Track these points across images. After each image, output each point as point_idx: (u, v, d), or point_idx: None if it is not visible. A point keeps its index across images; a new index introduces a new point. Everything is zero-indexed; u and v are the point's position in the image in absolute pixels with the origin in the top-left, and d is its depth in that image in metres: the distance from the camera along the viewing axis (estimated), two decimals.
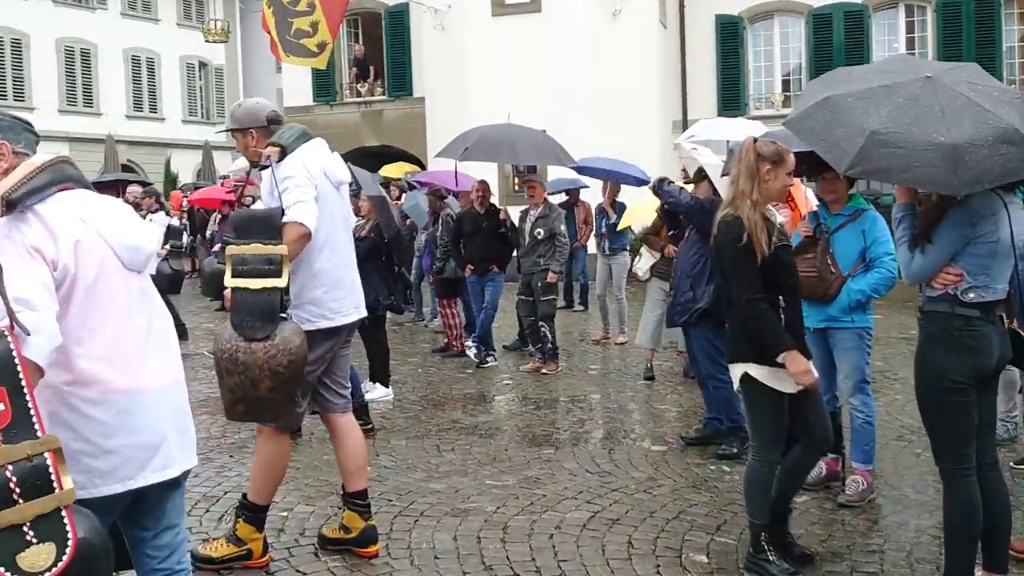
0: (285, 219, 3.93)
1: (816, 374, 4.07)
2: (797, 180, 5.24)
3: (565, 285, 14.46)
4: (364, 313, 4.46)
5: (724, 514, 4.94)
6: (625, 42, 18.83)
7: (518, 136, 9.39)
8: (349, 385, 4.55)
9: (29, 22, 30.65)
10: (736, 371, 4.12)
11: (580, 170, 11.58)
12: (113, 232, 2.60)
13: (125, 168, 29.50)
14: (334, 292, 4.23)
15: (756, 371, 4.01)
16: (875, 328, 5.41)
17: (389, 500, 5.25)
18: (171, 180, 31.65)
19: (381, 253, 7.68)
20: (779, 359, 3.93)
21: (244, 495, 4.34)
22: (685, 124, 19.83)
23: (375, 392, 8.07)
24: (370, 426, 6.79)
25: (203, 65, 36.45)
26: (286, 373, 3.84)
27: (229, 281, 3.87)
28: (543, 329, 9.35)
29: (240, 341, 3.81)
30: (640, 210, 9.80)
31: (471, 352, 9.75)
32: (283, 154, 4.08)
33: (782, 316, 4.01)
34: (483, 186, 9.85)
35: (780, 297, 4.03)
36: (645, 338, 8.94)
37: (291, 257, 3.92)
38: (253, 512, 4.25)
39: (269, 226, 3.90)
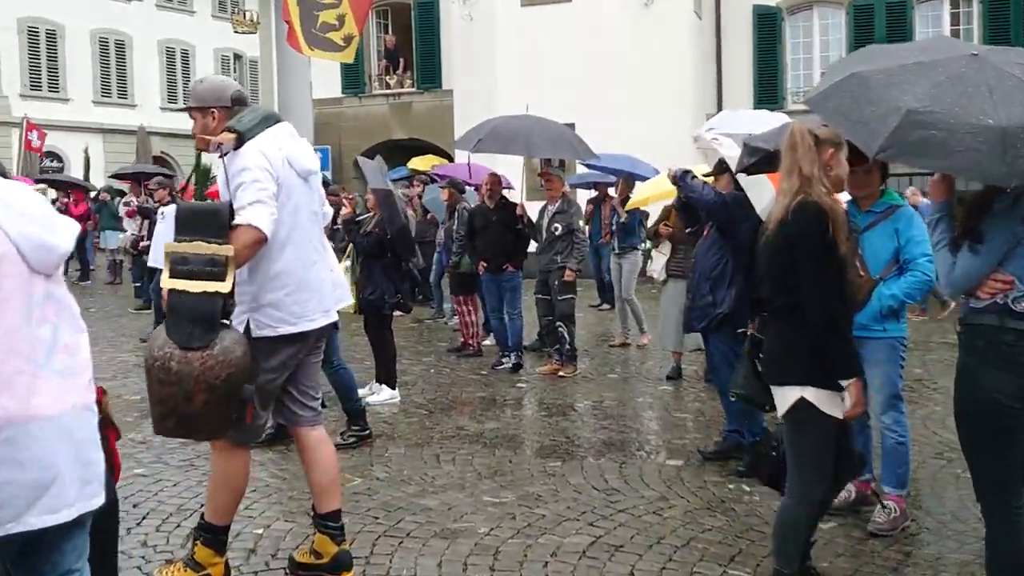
0: (237, 220, 3.53)
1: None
2: None
3: (597, 283, 14.05)
4: (334, 318, 4.03)
5: (740, 542, 4.47)
6: (658, 33, 18.31)
7: (533, 128, 8.94)
8: (319, 395, 4.15)
9: (64, 13, 30.74)
10: (788, 395, 3.46)
11: (593, 168, 11.16)
12: (19, 227, 2.21)
13: (158, 160, 29.47)
14: (298, 294, 3.81)
15: (815, 395, 3.39)
16: (914, 332, 4.92)
17: (375, 517, 4.84)
18: (203, 172, 31.63)
19: (386, 249, 7.28)
20: (845, 383, 3.37)
21: (202, 515, 3.95)
22: None
23: (381, 394, 7.69)
24: (367, 432, 6.39)
25: (238, 57, 36.45)
26: (223, 387, 3.44)
27: (166, 282, 3.48)
28: (561, 330, 8.91)
29: (175, 348, 3.42)
30: (651, 189, 9.26)
31: (508, 362, 9.28)
32: (240, 141, 3.68)
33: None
34: (493, 179, 9.40)
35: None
36: (668, 340, 8.51)
37: (240, 263, 3.53)
38: (211, 533, 3.86)
39: (216, 223, 3.50)
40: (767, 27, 19.92)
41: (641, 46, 18.30)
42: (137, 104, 32.83)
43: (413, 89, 22.67)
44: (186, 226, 3.53)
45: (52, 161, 30.24)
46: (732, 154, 5.70)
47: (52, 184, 19.79)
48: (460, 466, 5.81)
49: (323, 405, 4.70)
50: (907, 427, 4.76)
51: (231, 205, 3.58)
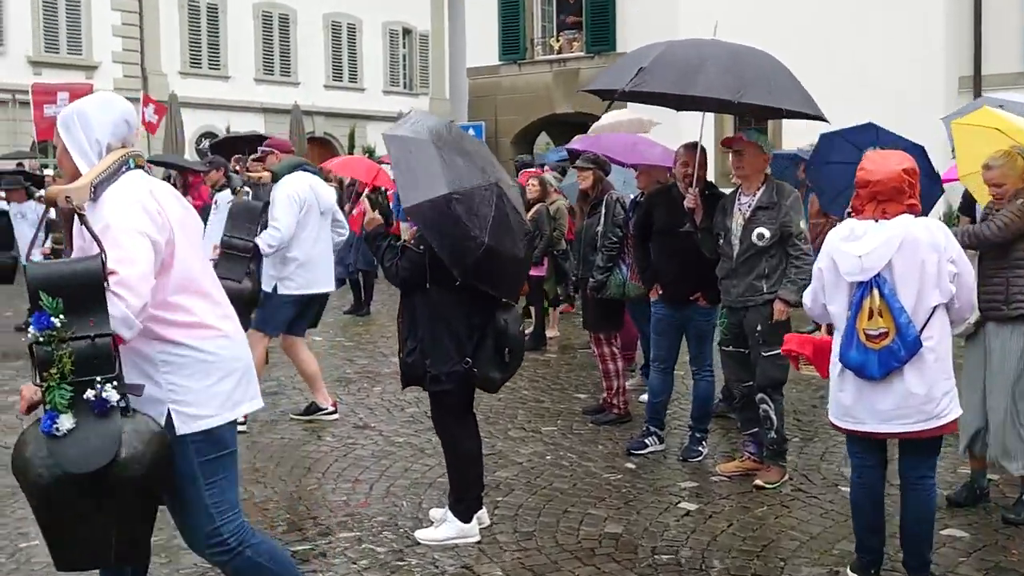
0: None
1: None
2: None
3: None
4: None
5: None
6: None
7: (739, 56, 5.24)
8: None
9: None
10: None
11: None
12: None
13: (315, 141, 27.47)
14: None
15: None
16: None
17: None
18: (368, 152, 29.74)
19: (424, 278, 3.93)
20: None
21: None
22: (978, 83, 14.82)
23: (439, 529, 4.36)
24: None
25: (407, 32, 34.27)
26: None
27: None
28: (765, 407, 5.25)
29: None
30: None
31: (651, 445, 5.88)
32: None
33: None
34: (691, 153, 5.63)
35: None
36: (967, 437, 4.77)
37: None
38: None
39: None
40: None
41: None
42: (300, 82, 31.09)
43: (581, 53, 19.25)
44: None
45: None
46: None
47: (169, 166, 16.79)
48: None
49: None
50: None
51: None
